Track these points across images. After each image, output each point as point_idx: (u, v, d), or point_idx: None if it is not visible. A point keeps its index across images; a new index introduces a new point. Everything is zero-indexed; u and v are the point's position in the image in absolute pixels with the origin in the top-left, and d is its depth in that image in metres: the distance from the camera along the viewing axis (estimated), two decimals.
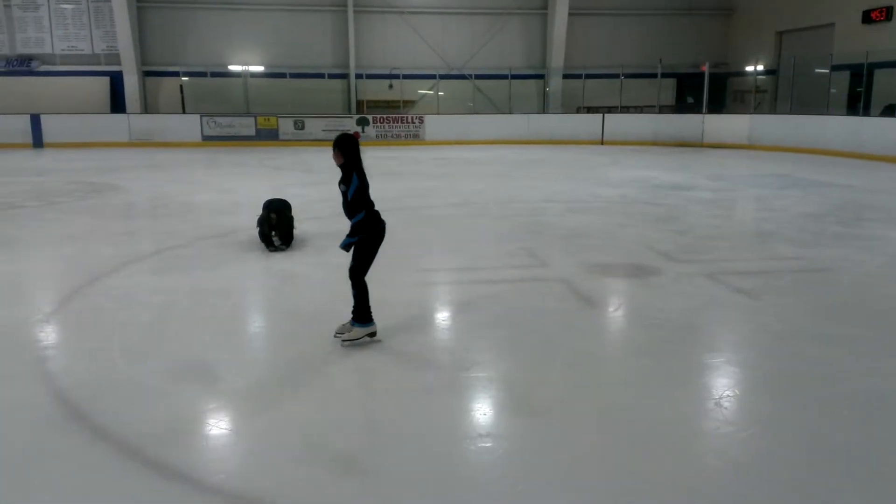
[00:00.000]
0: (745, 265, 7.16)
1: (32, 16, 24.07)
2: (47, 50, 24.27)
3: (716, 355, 4.76)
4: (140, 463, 3.28)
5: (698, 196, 11.54)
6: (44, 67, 24.31)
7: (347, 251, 4.81)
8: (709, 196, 11.58)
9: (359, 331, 4.72)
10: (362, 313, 4.71)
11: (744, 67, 24.11)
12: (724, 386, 4.21)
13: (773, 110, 22.84)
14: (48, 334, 5.15)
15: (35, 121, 22.07)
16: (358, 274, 4.71)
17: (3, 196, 11.70)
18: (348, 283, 5.40)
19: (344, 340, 4.71)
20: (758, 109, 22.64)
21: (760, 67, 23.23)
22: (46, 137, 22.09)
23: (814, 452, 3.40)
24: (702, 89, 22.15)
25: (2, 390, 4.10)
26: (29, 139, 21.99)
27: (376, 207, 4.74)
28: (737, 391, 4.14)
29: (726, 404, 3.92)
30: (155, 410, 3.83)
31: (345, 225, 4.79)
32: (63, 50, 24.36)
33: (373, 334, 4.76)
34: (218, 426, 3.72)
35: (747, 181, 13.69)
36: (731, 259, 7.40)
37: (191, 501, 3.03)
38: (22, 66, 24.17)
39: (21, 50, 24.18)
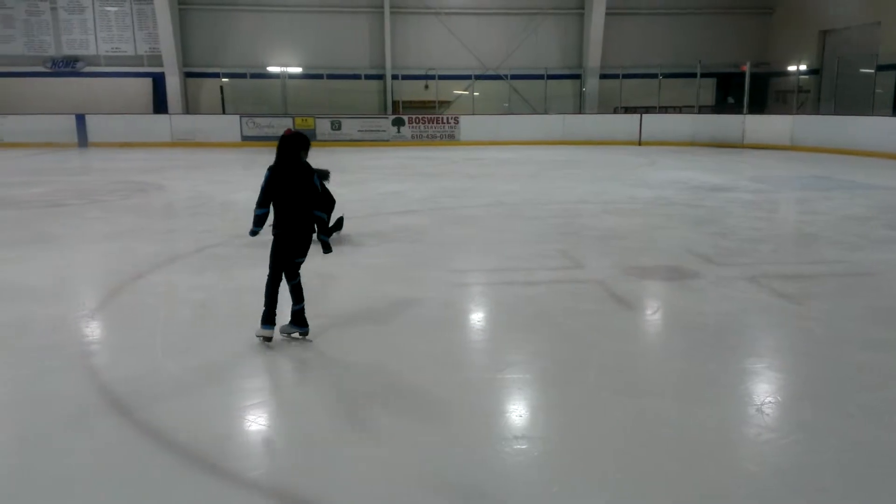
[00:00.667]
0: (788, 269, 7.01)
1: (78, 18, 24.69)
2: (92, 51, 24.89)
3: (757, 360, 4.66)
4: (180, 457, 3.34)
5: (739, 198, 11.34)
6: (88, 68, 24.93)
7: (252, 237, 4.86)
8: (750, 198, 11.36)
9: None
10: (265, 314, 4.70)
11: (786, 67, 23.61)
12: (765, 392, 4.13)
13: (816, 111, 22.34)
14: (93, 330, 5.28)
15: (80, 121, 22.66)
16: (268, 274, 4.72)
17: (48, 194, 12.02)
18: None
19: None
20: (800, 110, 22.16)
21: (803, 67, 22.72)
22: (91, 137, 22.66)
23: (857, 460, 3.31)
24: (742, 89, 21.75)
25: (48, 384, 4.21)
26: (74, 139, 22.59)
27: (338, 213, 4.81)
28: (778, 397, 4.06)
29: (768, 410, 3.84)
30: (194, 406, 3.89)
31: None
32: (107, 51, 24.95)
33: (267, 338, 4.71)
34: (256, 422, 3.76)
35: (790, 183, 13.41)
36: (773, 262, 7.25)
37: (228, 496, 3.08)
38: (67, 67, 24.82)
39: (67, 51, 24.83)
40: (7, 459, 3.40)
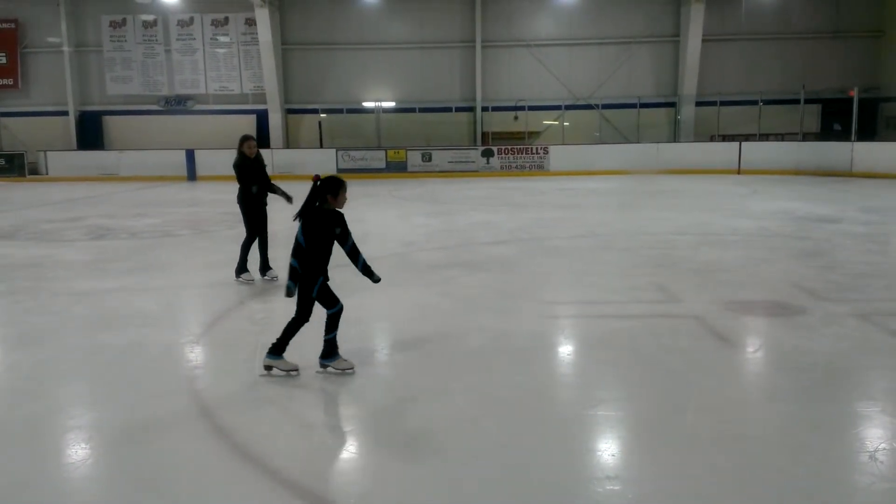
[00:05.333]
0: None
1: (189, 59, 26.40)
2: (201, 90, 26.51)
3: (870, 404, 4.36)
4: (277, 483, 3.43)
5: (848, 229, 10.73)
6: (198, 106, 26.55)
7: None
8: (861, 230, 10.73)
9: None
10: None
11: None
12: (879, 437, 3.84)
13: None
14: (197, 354, 5.54)
15: (190, 156, 24.13)
16: None
17: (160, 224, 12.81)
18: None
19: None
20: None
21: None
22: (199, 171, 24.06)
23: None
24: (849, 116, 20.69)
25: (156, 406, 4.42)
26: (184, 172, 24.04)
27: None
28: (894, 444, 3.77)
29: (882, 458, 3.57)
30: (291, 432, 4.00)
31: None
32: (215, 90, 26.51)
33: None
34: (350, 451, 3.83)
35: None
36: (887, 299, 6.79)
37: None
38: (179, 105, 26.54)
39: (179, 90, 26.56)
40: (114, 471, 3.60)
